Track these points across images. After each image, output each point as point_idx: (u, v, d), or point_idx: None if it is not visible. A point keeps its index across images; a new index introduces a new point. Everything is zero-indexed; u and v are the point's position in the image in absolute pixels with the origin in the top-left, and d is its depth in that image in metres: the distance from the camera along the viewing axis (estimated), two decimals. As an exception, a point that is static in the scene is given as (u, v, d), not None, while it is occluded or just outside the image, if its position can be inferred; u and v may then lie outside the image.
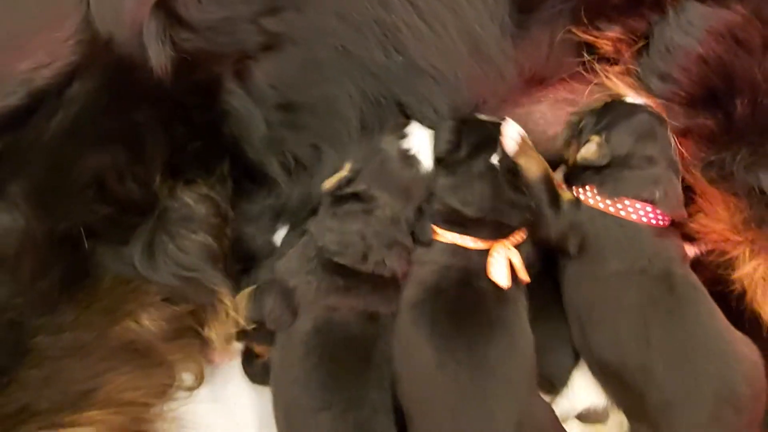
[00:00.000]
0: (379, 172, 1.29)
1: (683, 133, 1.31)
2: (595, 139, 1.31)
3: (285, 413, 1.25)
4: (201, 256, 1.27)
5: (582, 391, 1.29)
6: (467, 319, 1.22)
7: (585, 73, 1.35)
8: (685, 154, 1.31)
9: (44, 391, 1.18)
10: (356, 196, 1.28)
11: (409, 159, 1.31)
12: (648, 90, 1.33)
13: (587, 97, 1.38)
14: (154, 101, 1.25)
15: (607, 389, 1.27)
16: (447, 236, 1.29)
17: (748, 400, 1.17)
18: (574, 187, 1.34)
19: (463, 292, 1.25)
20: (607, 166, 1.30)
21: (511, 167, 1.32)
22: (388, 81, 1.32)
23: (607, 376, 1.26)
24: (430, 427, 1.20)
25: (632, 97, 1.35)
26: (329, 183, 1.31)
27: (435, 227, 1.30)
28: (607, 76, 1.34)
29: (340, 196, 1.29)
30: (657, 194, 1.27)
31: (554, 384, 1.28)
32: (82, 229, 1.18)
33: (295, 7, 1.29)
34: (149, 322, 1.25)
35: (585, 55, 1.33)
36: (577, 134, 1.37)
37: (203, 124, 1.30)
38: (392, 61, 1.31)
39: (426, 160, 1.32)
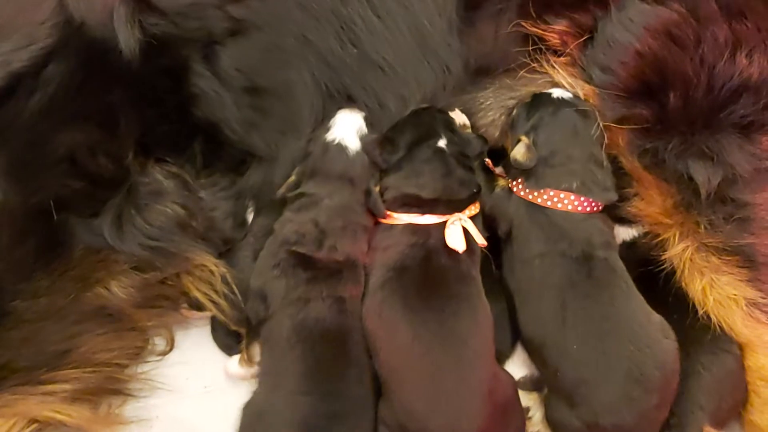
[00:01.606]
0: (315, 171, 1.34)
1: (620, 122, 1.34)
2: (524, 140, 1.36)
3: (267, 391, 1.27)
4: (170, 226, 1.30)
5: (519, 360, 1.34)
6: (434, 294, 1.26)
7: (531, 63, 1.38)
8: (622, 142, 1.35)
9: (22, 351, 1.22)
10: (302, 196, 1.33)
11: (335, 148, 1.35)
12: (589, 80, 1.36)
13: (528, 82, 1.41)
14: (126, 83, 1.28)
15: (533, 363, 1.32)
16: (403, 218, 1.33)
17: (659, 382, 1.21)
18: (507, 179, 1.40)
19: (427, 269, 1.29)
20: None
21: (461, 149, 1.37)
22: (341, 72, 1.36)
23: (531, 351, 1.32)
24: (408, 395, 1.23)
25: (559, 91, 1.39)
26: (282, 189, 1.36)
27: (390, 212, 1.35)
28: (552, 66, 1.37)
29: (294, 197, 1.34)
30: (574, 184, 1.32)
31: (499, 357, 1.32)
32: (52, 202, 1.21)
33: None
34: (118, 289, 1.28)
35: (533, 45, 1.36)
36: (510, 125, 1.41)
37: (173, 106, 1.33)
38: (347, 53, 1.35)
39: (352, 143, 1.36)
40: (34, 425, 1.23)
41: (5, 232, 1.22)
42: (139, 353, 1.35)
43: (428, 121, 1.38)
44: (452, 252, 1.29)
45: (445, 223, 1.31)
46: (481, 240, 1.32)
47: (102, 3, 1.26)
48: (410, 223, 1.32)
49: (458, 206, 1.33)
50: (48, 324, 1.24)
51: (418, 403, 1.20)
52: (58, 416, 1.23)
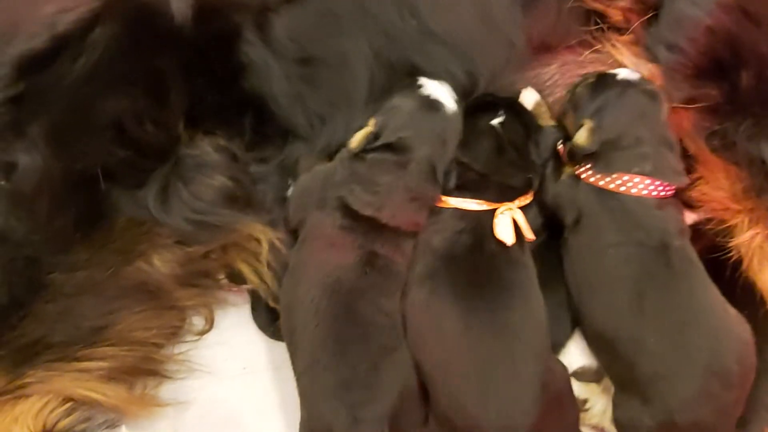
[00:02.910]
0: (408, 122, 1.21)
1: (687, 103, 1.24)
2: (588, 124, 1.25)
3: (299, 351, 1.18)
4: (217, 200, 1.22)
5: (578, 350, 1.24)
6: (485, 284, 1.17)
7: (593, 41, 1.29)
8: (688, 124, 1.24)
9: (58, 326, 1.14)
10: (389, 147, 1.21)
11: (432, 103, 1.24)
12: (654, 59, 1.26)
13: (594, 60, 1.32)
14: (176, 49, 1.20)
15: (599, 358, 1.22)
16: (451, 201, 1.24)
17: (737, 377, 1.11)
18: (574, 164, 1.28)
19: (476, 257, 1.20)
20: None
21: (517, 132, 1.26)
22: (402, 43, 1.26)
23: (600, 346, 1.21)
24: (458, 390, 1.14)
25: (625, 71, 1.28)
26: (355, 141, 1.23)
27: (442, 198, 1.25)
28: (614, 45, 1.28)
29: (367, 150, 1.22)
30: (647, 168, 1.21)
31: (554, 347, 1.22)
32: (99, 170, 1.13)
33: None
34: (161, 264, 1.20)
35: (595, 23, 1.27)
36: (572, 107, 1.30)
37: (223, 76, 1.24)
38: (407, 24, 1.26)
39: (449, 102, 1.24)
40: (69, 404, 1.14)
41: (45, 201, 1.14)
42: (176, 333, 1.26)
43: (490, 97, 1.28)
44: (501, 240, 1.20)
45: (494, 211, 1.21)
46: (530, 234, 1.22)
47: (152, -33, 1.20)
48: (458, 208, 1.23)
49: (510, 194, 1.23)
50: (85, 298, 1.15)
51: (468, 398, 1.12)
52: (94, 395, 1.14)
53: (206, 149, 1.23)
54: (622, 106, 1.24)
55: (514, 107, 1.29)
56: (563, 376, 1.19)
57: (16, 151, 1.15)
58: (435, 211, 1.25)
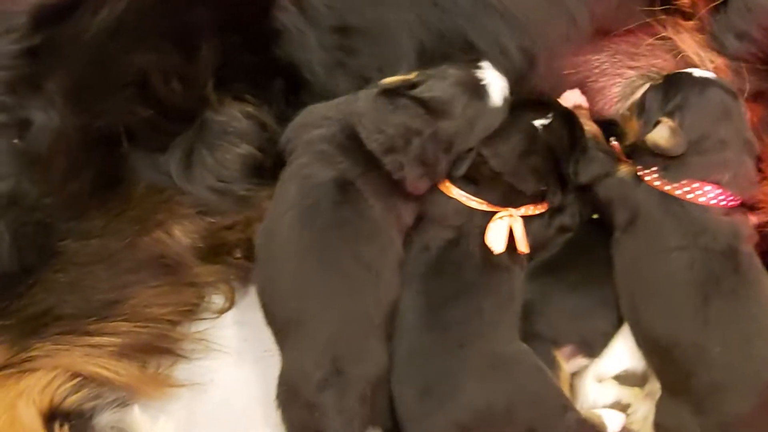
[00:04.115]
0: (449, 92, 1.09)
1: (754, 97, 1.13)
2: (668, 122, 1.10)
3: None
4: (244, 169, 1.12)
5: (623, 352, 1.12)
6: (450, 281, 1.08)
7: (655, 25, 1.17)
8: (755, 119, 1.13)
9: (68, 297, 1.04)
10: (421, 101, 1.08)
11: (480, 89, 1.11)
12: (721, 48, 1.15)
13: (648, 52, 1.20)
14: (209, 6, 1.10)
15: (651, 362, 1.10)
16: (453, 191, 1.12)
17: None
18: (635, 164, 1.14)
19: (450, 252, 1.09)
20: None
21: (560, 141, 1.13)
22: (452, 13, 1.15)
23: (654, 350, 1.09)
24: (412, 377, 1.04)
25: (699, 70, 1.15)
26: (390, 80, 1.12)
27: (447, 182, 1.13)
28: (678, 31, 1.16)
29: (396, 94, 1.09)
30: (726, 177, 1.09)
31: (593, 347, 1.12)
32: (122, 129, 1.04)
33: None
34: (182, 234, 1.10)
35: (661, 5, 1.15)
36: (639, 111, 1.16)
37: (256, 40, 1.14)
38: None
39: (496, 96, 1.12)
40: (77, 380, 1.04)
41: (60, 161, 1.04)
42: (193, 311, 1.16)
43: (544, 98, 1.16)
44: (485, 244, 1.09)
45: (491, 214, 1.10)
46: (524, 247, 1.10)
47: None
48: (457, 200, 1.12)
49: (514, 200, 1.12)
50: (98, 269, 1.05)
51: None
52: (104, 372, 1.04)
53: (234, 115, 1.13)
54: (705, 104, 1.11)
55: (567, 116, 1.15)
56: None
57: (30, 108, 1.06)
58: (441, 198, 1.13)
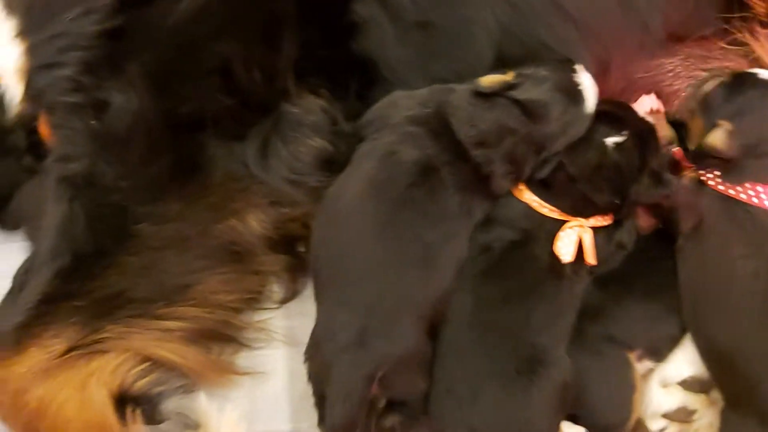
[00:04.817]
0: (549, 94, 1.09)
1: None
2: (726, 126, 1.10)
3: None
4: (315, 162, 1.11)
5: (689, 358, 1.11)
6: (507, 281, 1.07)
7: (731, 32, 1.17)
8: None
9: (141, 280, 1.04)
10: (518, 103, 1.08)
11: (577, 94, 1.11)
12: (799, 58, 1.16)
13: (722, 55, 1.20)
14: None
15: (713, 372, 1.10)
16: (526, 196, 1.12)
17: None
18: (698, 169, 1.14)
19: (513, 254, 1.09)
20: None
21: (630, 163, 1.11)
22: (529, 17, 1.15)
23: (716, 359, 1.09)
24: (442, 374, 1.05)
25: (766, 72, 1.14)
26: (489, 80, 1.10)
27: (520, 185, 1.13)
28: (756, 38, 1.16)
29: (494, 94, 1.09)
30: None
31: (660, 352, 1.12)
32: (203, 116, 1.03)
33: None
34: (255, 223, 1.09)
35: (739, 12, 1.15)
36: (702, 109, 1.15)
37: (334, 33, 1.13)
38: None
39: (591, 101, 1.11)
40: (146, 364, 1.04)
41: (139, 145, 1.04)
42: (256, 299, 1.15)
43: (622, 114, 1.13)
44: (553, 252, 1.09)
45: (561, 222, 1.09)
46: (592, 259, 1.09)
47: None
48: (528, 204, 1.11)
49: (586, 210, 1.10)
50: (171, 254, 1.05)
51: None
52: (173, 357, 1.04)
53: (309, 108, 1.12)
54: (766, 108, 1.11)
55: (642, 136, 1.12)
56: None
57: (109, 89, 1.05)
58: (508, 199, 1.12)
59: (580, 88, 1.11)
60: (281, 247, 1.15)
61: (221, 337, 1.12)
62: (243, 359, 1.14)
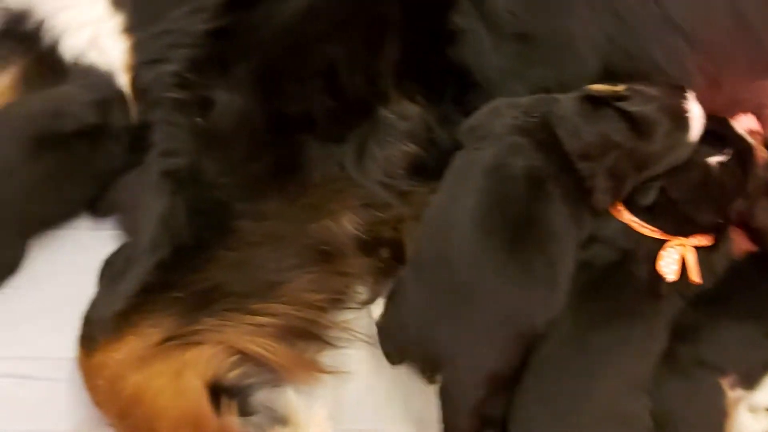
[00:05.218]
0: (656, 114, 1.08)
1: None
2: None
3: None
4: (409, 167, 1.13)
5: None
6: (608, 300, 1.06)
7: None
8: None
9: (237, 275, 1.06)
10: (628, 115, 1.08)
11: (684, 120, 1.10)
12: None
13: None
14: (396, 1, 1.10)
15: None
16: (625, 215, 1.11)
17: None
18: None
19: (612, 274, 1.08)
20: None
21: (732, 180, 1.12)
22: (638, 31, 1.14)
23: None
24: (532, 386, 1.04)
25: None
26: (599, 87, 1.10)
27: (619, 205, 1.12)
28: None
29: (602, 103, 1.09)
30: None
31: (752, 378, 1.09)
32: (305, 117, 1.05)
33: None
34: (349, 224, 1.10)
35: None
36: None
37: (432, 40, 1.15)
38: (647, 11, 1.13)
39: (695, 130, 1.10)
40: (236, 357, 1.05)
41: (242, 143, 1.07)
42: (342, 300, 1.16)
43: (723, 131, 1.13)
44: (655, 269, 1.07)
45: (662, 242, 1.09)
46: (697, 277, 1.08)
47: None
48: (629, 225, 1.10)
49: (687, 229, 1.10)
50: (266, 251, 1.07)
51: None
52: (263, 352, 1.06)
53: (405, 113, 1.14)
54: None
55: (744, 154, 1.13)
56: None
57: (215, 88, 1.08)
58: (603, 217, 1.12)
59: (687, 115, 1.10)
60: (369, 250, 1.17)
61: (307, 335, 1.13)
62: (328, 358, 1.14)
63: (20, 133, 1.18)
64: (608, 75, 1.14)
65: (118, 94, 1.19)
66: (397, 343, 1.09)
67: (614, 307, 1.07)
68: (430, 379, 1.06)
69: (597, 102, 1.08)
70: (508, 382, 1.04)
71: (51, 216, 1.22)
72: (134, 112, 1.19)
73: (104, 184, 1.21)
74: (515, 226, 1.04)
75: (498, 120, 1.11)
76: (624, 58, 1.15)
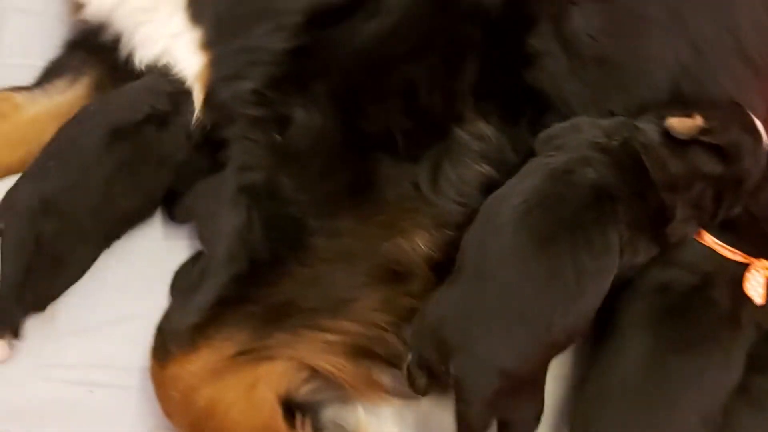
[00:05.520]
0: (739, 138, 1.09)
1: None
2: None
3: None
4: (481, 188, 1.12)
5: None
6: (686, 327, 1.06)
7: None
8: None
9: (310, 291, 1.07)
10: (715, 148, 1.08)
11: (757, 133, 1.10)
12: None
13: None
14: (479, 22, 1.11)
15: None
16: (707, 238, 1.11)
17: None
18: None
19: (692, 300, 1.07)
20: None
21: None
22: (711, 61, 1.14)
23: None
24: (605, 411, 1.03)
25: None
26: (681, 125, 1.08)
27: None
28: None
29: (686, 135, 1.08)
30: None
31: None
32: (383, 136, 1.05)
33: None
34: (421, 244, 1.09)
35: None
36: None
37: (511, 61, 1.14)
38: (722, 42, 1.14)
39: (766, 139, 1.11)
40: (305, 372, 1.06)
41: (318, 160, 1.07)
42: (407, 319, 1.13)
43: None
44: (737, 295, 1.07)
45: (745, 265, 1.08)
46: None
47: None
48: (711, 248, 1.10)
49: None
50: (339, 268, 1.07)
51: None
52: (333, 369, 1.06)
53: (479, 134, 1.13)
54: None
55: None
56: None
57: (293, 106, 1.09)
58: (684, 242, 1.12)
59: (757, 126, 1.10)
60: (439, 271, 1.15)
61: (374, 354, 1.12)
62: (393, 378, 1.13)
63: (97, 128, 1.22)
64: (676, 99, 1.14)
65: (188, 92, 1.21)
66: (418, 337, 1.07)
67: (693, 335, 1.06)
68: (443, 372, 1.02)
69: (682, 134, 1.07)
70: (525, 386, 1.03)
71: (127, 210, 1.24)
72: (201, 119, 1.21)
73: (174, 175, 1.22)
74: (556, 226, 1.03)
75: (577, 135, 1.11)
76: (694, 84, 1.15)
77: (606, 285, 1.07)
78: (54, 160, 1.21)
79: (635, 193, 1.07)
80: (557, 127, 1.14)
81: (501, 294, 1.02)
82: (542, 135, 1.14)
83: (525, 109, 1.16)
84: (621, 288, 1.10)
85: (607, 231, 1.06)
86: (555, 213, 1.05)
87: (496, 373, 1.00)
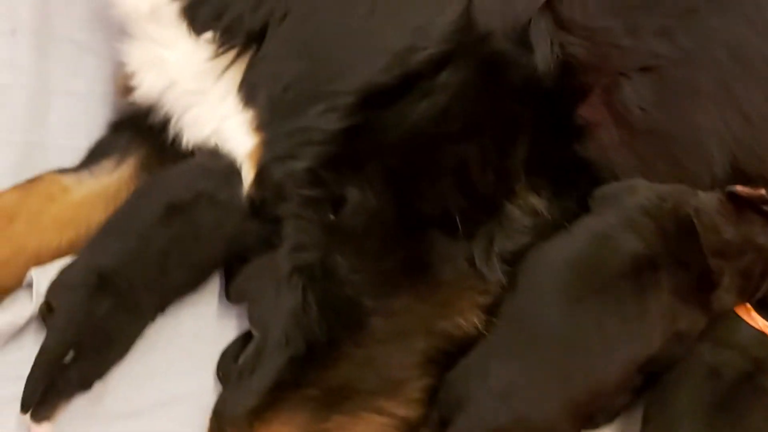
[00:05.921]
0: None
1: None
2: None
3: None
4: None
5: None
6: (732, 415, 1.03)
7: None
8: None
9: (365, 372, 1.05)
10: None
11: None
12: None
13: None
14: (531, 99, 1.12)
15: None
16: (759, 321, 1.09)
17: None
18: None
19: (741, 387, 1.05)
20: None
21: None
22: (763, 129, 1.15)
23: None
24: None
25: None
26: (743, 187, 1.09)
27: (752, 311, 1.10)
28: None
29: (746, 203, 1.09)
30: None
31: None
32: (437, 215, 1.05)
33: (685, 30, 1.14)
34: (478, 322, 1.07)
35: None
36: None
37: (562, 135, 1.15)
38: None
39: None
40: (363, 456, 1.06)
41: (374, 240, 1.07)
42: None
43: None
44: None
45: None
46: None
47: (513, 15, 1.13)
48: (762, 331, 1.08)
49: None
50: (395, 348, 1.06)
51: None
52: (387, 451, 1.06)
53: (531, 208, 1.13)
54: None
55: None
56: None
57: (347, 185, 1.10)
58: (733, 320, 1.10)
59: None
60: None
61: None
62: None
63: (154, 203, 1.24)
64: (737, 175, 1.14)
65: (238, 171, 1.23)
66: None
67: (742, 428, 1.03)
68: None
69: (741, 203, 1.07)
70: None
71: (179, 284, 1.24)
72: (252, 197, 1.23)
73: (226, 251, 1.23)
74: (587, 290, 1.03)
75: (631, 197, 1.11)
76: (751, 158, 1.15)
77: (639, 350, 1.06)
78: (112, 236, 1.23)
79: (679, 261, 1.06)
80: (614, 185, 1.15)
81: (534, 350, 1.03)
82: (598, 192, 1.15)
83: (576, 182, 1.16)
84: (671, 366, 1.08)
85: (644, 298, 1.05)
86: (589, 276, 1.06)
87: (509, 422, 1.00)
